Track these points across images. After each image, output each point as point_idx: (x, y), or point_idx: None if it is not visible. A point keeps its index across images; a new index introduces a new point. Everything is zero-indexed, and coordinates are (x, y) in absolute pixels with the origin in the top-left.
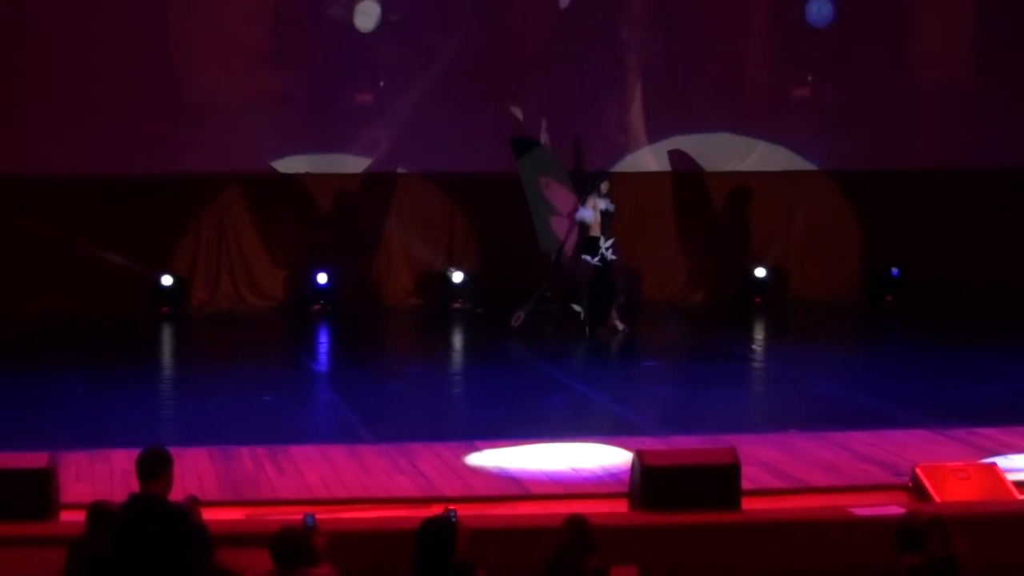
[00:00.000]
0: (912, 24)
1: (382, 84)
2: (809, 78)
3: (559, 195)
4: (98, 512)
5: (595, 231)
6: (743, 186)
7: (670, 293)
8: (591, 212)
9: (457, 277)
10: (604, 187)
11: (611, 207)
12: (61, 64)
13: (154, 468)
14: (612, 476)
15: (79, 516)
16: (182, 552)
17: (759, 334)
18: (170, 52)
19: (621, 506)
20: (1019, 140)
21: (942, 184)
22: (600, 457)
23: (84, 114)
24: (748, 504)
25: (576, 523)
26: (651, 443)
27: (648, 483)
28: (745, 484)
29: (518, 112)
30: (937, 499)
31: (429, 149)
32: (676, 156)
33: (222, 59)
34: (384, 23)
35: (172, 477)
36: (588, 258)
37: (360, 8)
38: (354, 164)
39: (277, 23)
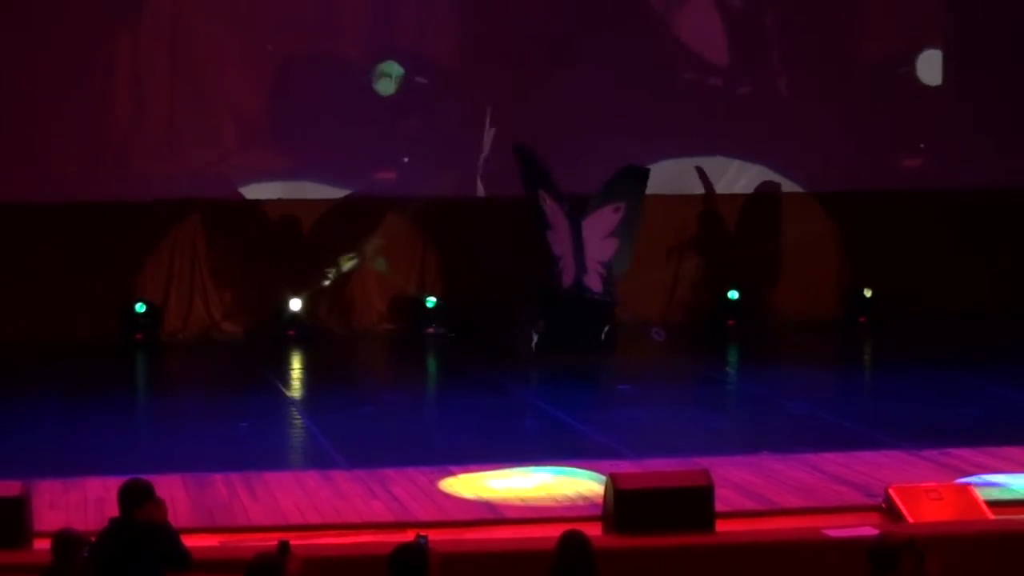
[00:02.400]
0: (885, 44)
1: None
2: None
3: (553, 212)
4: (64, 540)
5: None
6: (715, 208)
7: (644, 316)
8: None
9: (430, 302)
10: None
11: None
12: (30, 91)
13: (136, 499)
14: (585, 499)
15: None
16: (159, 572)
17: (733, 356)
18: (142, 77)
19: (595, 529)
20: (992, 161)
21: (914, 204)
22: (573, 481)
23: (55, 141)
24: (722, 526)
25: (576, 540)
26: (625, 466)
27: (622, 506)
28: (719, 506)
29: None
30: (910, 520)
31: (403, 174)
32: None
33: (196, 86)
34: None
35: (157, 508)
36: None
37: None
38: (327, 190)
39: (248, 51)
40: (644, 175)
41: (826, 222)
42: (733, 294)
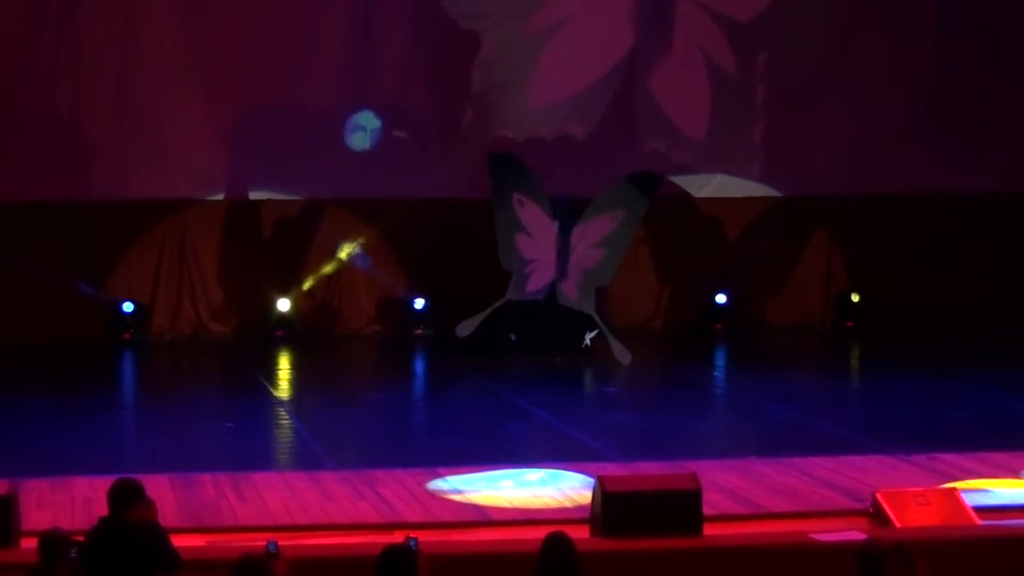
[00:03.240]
0: (870, 49)
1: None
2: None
3: (533, 215)
4: (51, 540)
5: None
6: (704, 212)
7: (632, 320)
8: None
9: (419, 304)
10: None
11: None
12: (12, 89)
13: (127, 499)
14: (573, 502)
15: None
16: (149, 572)
17: (720, 360)
18: (130, 75)
19: (583, 532)
20: (982, 165)
21: (903, 209)
22: (562, 483)
23: (39, 139)
24: (710, 530)
25: (560, 542)
26: (612, 469)
27: (610, 509)
28: (707, 510)
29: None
30: (898, 524)
31: (391, 175)
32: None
33: (184, 85)
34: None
35: (147, 508)
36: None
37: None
38: (316, 189)
39: (240, 50)
40: (655, 182)
41: (814, 227)
42: (721, 298)
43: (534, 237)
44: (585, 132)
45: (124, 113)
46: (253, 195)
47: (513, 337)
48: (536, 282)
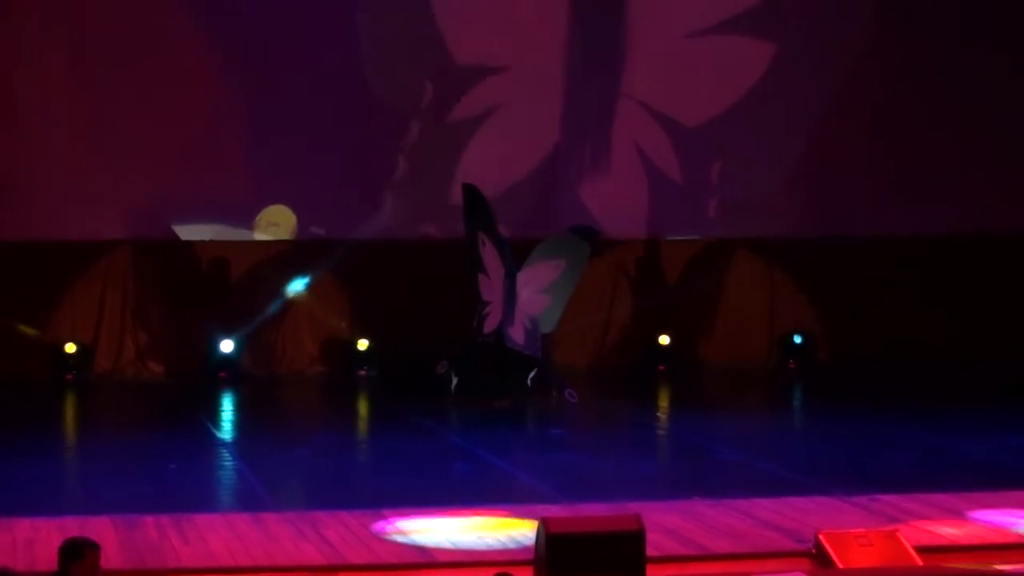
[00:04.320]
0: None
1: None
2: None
3: (491, 257)
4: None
5: None
6: (646, 254)
7: (575, 361)
8: None
9: (362, 345)
10: None
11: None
12: None
13: (77, 551)
14: (517, 543)
15: None
16: None
17: (663, 401)
18: (71, 107)
19: (527, 573)
20: (928, 206)
21: (845, 250)
22: (505, 525)
23: None
24: (653, 571)
25: None
26: (556, 510)
27: (553, 550)
28: (650, 551)
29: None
30: (840, 565)
31: (333, 216)
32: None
33: (130, 120)
34: None
35: (96, 565)
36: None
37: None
38: (258, 232)
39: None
40: (594, 236)
41: (757, 268)
42: (663, 339)
43: (491, 279)
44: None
45: (56, 151)
46: (194, 235)
47: (442, 371)
48: (490, 324)
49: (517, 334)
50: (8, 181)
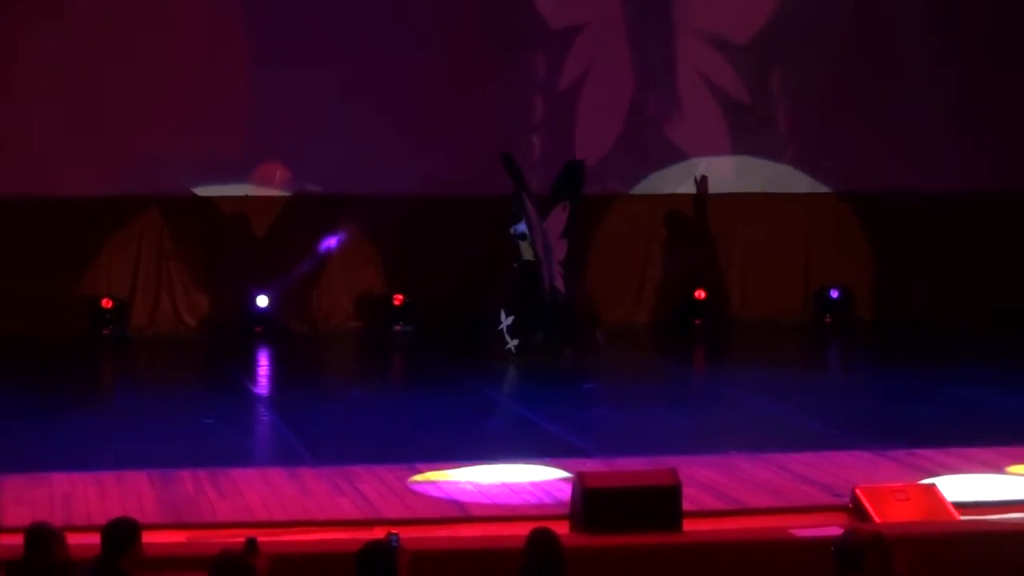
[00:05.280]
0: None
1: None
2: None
3: (533, 215)
4: (37, 534)
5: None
6: (682, 208)
7: (612, 316)
8: (521, 225)
9: (398, 300)
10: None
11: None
12: None
13: (122, 542)
14: (553, 498)
15: (17, 539)
16: None
17: (699, 355)
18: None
19: (562, 528)
20: (966, 162)
21: (883, 205)
22: (541, 479)
23: (14, 133)
24: (689, 525)
25: (545, 538)
26: (592, 465)
27: (589, 505)
28: (686, 505)
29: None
30: (877, 520)
31: (371, 170)
32: (618, 179)
33: (167, 78)
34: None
35: (141, 551)
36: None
37: None
38: (293, 185)
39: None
40: (580, 168)
41: (793, 221)
42: (700, 294)
43: (534, 238)
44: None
45: (96, 105)
46: (230, 190)
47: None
48: (546, 281)
49: (561, 284)
50: (38, 135)
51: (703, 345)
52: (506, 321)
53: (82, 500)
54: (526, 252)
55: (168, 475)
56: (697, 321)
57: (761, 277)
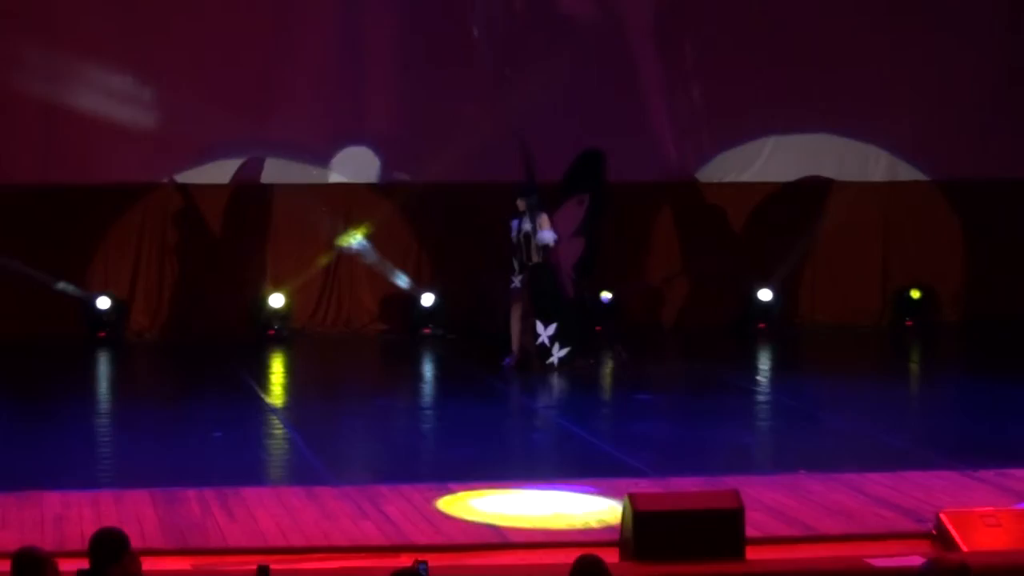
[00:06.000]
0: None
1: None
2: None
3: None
4: (26, 560)
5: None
6: (746, 198)
7: (664, 318)
8: (548, 234)
9: (427, 300)
10: (520, 205)
11: (530, 228)
12: None
13: (112, 552)
14: (601, 522)
15: (4, 566)
16: None
17: (764, 364)
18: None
19: (611, 556)
20: None
21: (973, 193)
22: (587, 501)
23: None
24: (753, 553)
25: (593, 567)
26: (645, 485)
27: (642, 530)
28: (749, 531)
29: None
30: (963, 548)
31: (396, 157)
32: (671, 164)
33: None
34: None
35: (132, 562)
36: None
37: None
38: (315, 174)
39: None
40: (599, 158)
41: (871, 214)
42: (764, 294)
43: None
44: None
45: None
46: (243, 178)
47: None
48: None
49: (571, 290)
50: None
51: (767, 351)
52: (546, 332)
53: (76, 522)
54: (534, 254)
55: (172, 495)
56: (761, 324)
57: (833, 275)
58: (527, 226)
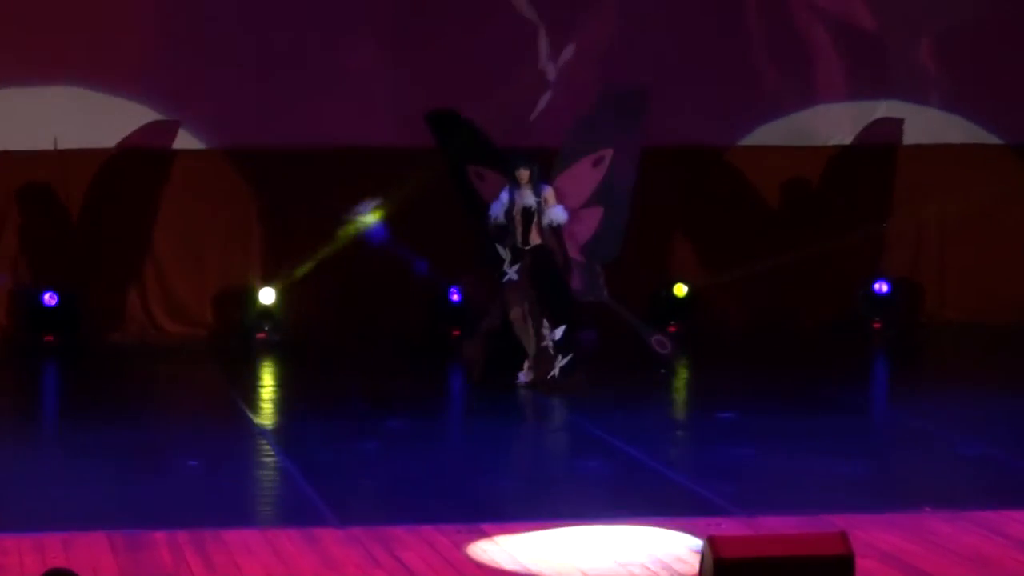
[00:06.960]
0: None
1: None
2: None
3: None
4: None
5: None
6: (853, 168)
7: (750, 317)
8: (562, 210)
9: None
10: (523, 176)
11: (534, 202)
12: None
13: None
14: (672, 572)
15: None
16: None
17: (879, 373)
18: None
19: None
20: None
21: None
22: (655, 545)
23: None
24: None
25: None
26: (728, 526)
27: None
28: None
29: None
30: None
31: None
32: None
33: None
34: None
35: None
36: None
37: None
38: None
39: None
40: (640, 100)
41: (1014, 187)
42: (881, 287)
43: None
44: None
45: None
46: (218, 143)
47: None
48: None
49: (573, 279)
50: None
51: (884, 357)
52: (553, 336)
53: (15, 572)
54: (535, 235)
55: (136, 538)
56: (877, 324)
57: (966, 264)
58: (529, 200)
